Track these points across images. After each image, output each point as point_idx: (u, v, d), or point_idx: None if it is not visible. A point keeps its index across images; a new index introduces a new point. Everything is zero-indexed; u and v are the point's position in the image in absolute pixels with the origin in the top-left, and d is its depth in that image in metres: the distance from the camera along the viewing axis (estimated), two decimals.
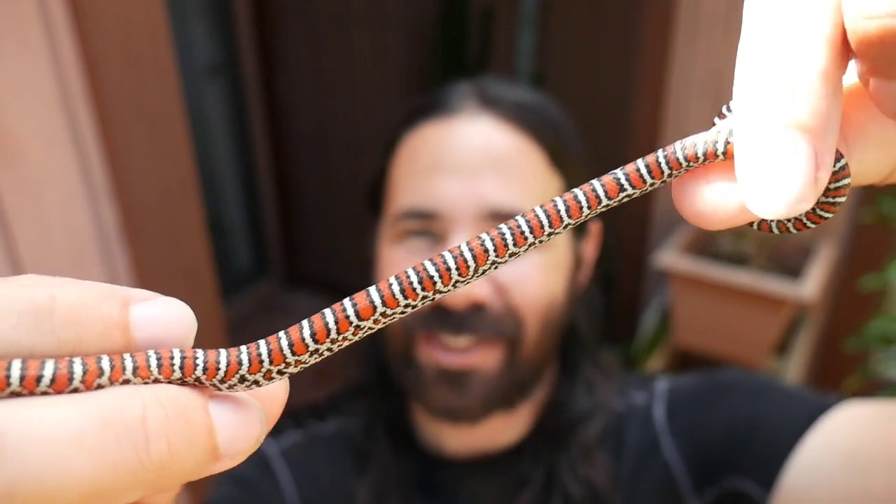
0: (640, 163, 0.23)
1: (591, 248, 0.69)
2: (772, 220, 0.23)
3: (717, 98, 1.83)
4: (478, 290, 0.58)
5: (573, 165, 0.64)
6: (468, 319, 0.58)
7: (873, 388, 1.56)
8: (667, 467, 0.64)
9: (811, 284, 1.58)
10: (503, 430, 0.66)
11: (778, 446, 0.56)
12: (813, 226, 0.22)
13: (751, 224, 0.23)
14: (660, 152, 0.22)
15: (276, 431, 0.69)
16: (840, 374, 1.69)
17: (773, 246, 1.73)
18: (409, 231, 0.61)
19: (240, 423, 0.20)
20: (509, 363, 0.60)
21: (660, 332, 1.85)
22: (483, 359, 0.60)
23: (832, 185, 0.21)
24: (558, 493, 0.62)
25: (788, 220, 0.23)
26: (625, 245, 2.00)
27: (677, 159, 0.22)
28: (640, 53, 1.85)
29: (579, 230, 0.66)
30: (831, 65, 0.19)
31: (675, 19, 1.79)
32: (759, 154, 0.19)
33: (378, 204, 0.67)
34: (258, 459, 0.67)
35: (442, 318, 0.58)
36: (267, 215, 2.78)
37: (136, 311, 0.20)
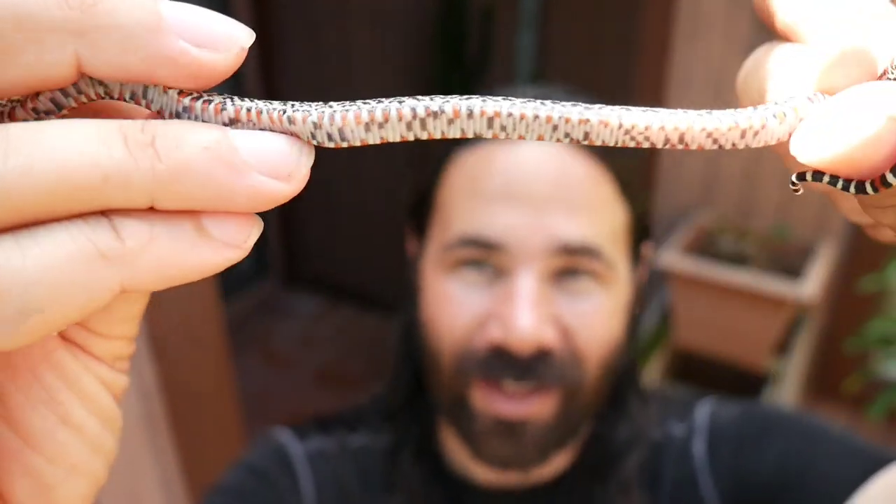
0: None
1: (644, 273, 0.64)
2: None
3: (717, 98, 1.83)
4: (544, 334, 0.54)
5: (640, 194, 0.59)
6: (533, 366, 0.55)
7: (873, 389, 1.56)
8: None
9: (811, 285, 1.58)
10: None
11: (830, 499, 0.54)
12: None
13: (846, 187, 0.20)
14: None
15: (301, 435, 0.67)
16: (840, 375, 1.69)
17: (774, 246, 1.73)
18: (465, 260, 0.56)
19: None
20: (566, 409, 0.57)
21: (660, 333, 1.85)
22: (541, 407, 0.57)
23: None
24: None
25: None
26: None
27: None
28: (640, 53, 1.86)
29: (635, 257, 0.60)
30: None
31: (675, 19, 1.79)
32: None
33: (422, 225, 0.61)
34: (280, 457, 0.65)
35: (506, 364, 0.55)
36: (267, 216, 2.76)
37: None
